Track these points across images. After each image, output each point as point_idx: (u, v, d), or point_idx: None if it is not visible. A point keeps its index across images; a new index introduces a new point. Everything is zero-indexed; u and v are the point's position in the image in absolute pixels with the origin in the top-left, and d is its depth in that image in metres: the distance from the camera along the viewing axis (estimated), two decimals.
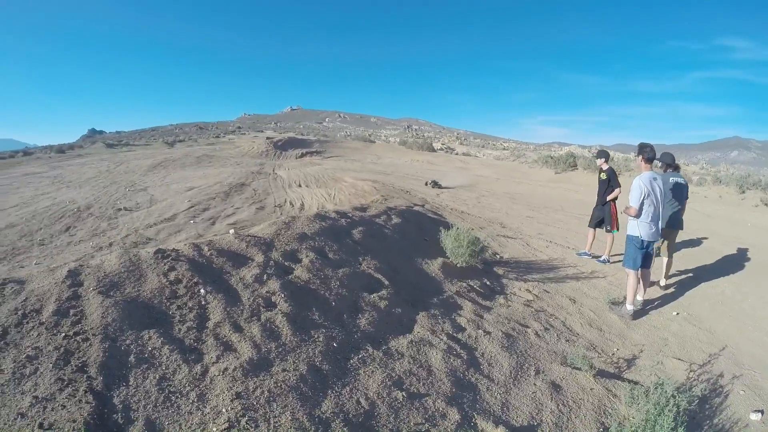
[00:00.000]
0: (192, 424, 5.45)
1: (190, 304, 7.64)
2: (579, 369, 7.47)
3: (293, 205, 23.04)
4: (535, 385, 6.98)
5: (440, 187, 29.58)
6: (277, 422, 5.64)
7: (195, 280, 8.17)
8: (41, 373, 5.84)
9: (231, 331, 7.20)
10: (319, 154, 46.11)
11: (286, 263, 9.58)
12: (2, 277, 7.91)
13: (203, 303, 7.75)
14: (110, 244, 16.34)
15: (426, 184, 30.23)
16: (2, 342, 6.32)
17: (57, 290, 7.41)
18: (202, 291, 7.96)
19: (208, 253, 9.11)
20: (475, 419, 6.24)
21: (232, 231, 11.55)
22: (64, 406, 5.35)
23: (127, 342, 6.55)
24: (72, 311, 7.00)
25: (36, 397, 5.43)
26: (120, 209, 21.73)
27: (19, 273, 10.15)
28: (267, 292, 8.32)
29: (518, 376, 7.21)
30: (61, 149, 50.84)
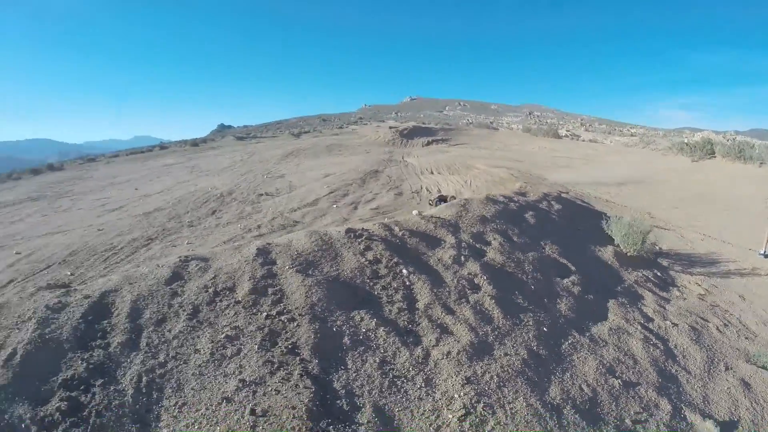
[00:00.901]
0: (424, 411, 5.00)
1: (394, 285, 7.11)
2: (764, 368, 7.19)
3: (429, 192, 22.39)
4: (727, 380, 6.79)
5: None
6: (512, 408, 5.20)
7: (395, 260, 7.64)
8: (245, 354, 5.32)
9: (443, 313, 6.70)
10: (445, 142, 45.22)
11: (476, 245, 9.04)
12: (183, 254, 7.58)
13: (407, 283, 7.22)
14: (258, 226, 16.33)
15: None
16: (194, 320, 5.85)
17: (249, 268, 6.91)
18: (404, 271, 7.40)
19: (400, 234, 8.62)
20: (684, 411, 5.95)
21: (415, 212, 11.50)
22: (278, 391, 4.84)
23: (338, 323, 6.07)
24: (270, 290, 6.50)
25: (243, 381, 4.98)
26: (261, 194, 21.89)
27: (198, 251, 9.97)
28: (468, 274, 7.83)
29: (711, 370, 7.06)
30: (195, 143, 53.56)
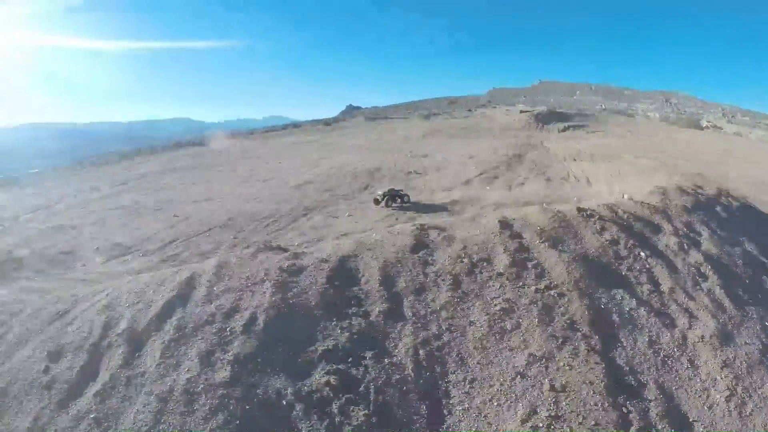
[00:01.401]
0: (695, 390, 5.20)
1: (637, 267, 7.18)
2: None
3: (578, 180, 21.58)
4: None
5: None
6: (762, 393, 5.35)
7: (631, 242, 7.70)
8: (526, 328, 5.50)
9: (685, 298, 6.81)
10: (581, 129, 43.56)
11: (690, 234, 8.90)
12: (418, 222, 7.80)
13: (647, 266, 7.27)
14: (416, 203, 16.50)
15: None
16: (458, 291, 6.04)
17: (499, 240, 7.06)
18: (642, 254, 7.50)
19: (625, 216, 8.54)
20: None
21: (626, 196, 11.13)
22: (571, 366, 5.00)
23: (603, 300, 6.15)
24: (529, 264, 6.64)
25: (532, 355, 5.16)
26: (409, 172, 22.18)
27: (436, 220, 10.08)
28: (695, 262, 7.86)
29: None
30: (327, 122, 55.09)
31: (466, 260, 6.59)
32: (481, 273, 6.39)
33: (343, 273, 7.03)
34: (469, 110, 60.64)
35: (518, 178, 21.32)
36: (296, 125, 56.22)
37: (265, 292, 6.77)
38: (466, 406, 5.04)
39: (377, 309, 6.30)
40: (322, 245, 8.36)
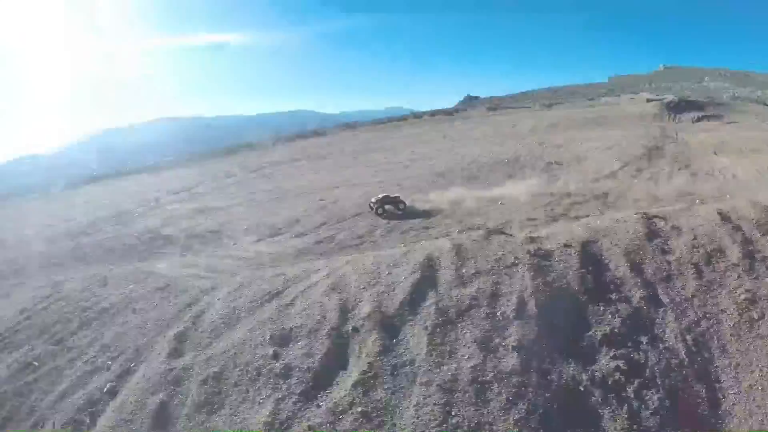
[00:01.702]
0: None
1: None
2: None
3: (723, 174, 20.42)
4: None
5: None
6: None
7: None
8: None
9: None
10: (717, 119, 40.88)
11: None
12: (640, 211, 7.83)
13: None
14: (568, 194, 16.32)
15: None
16: (702, 280, 6.04)
17: (724, 232, 7.00)
18: None
19: None
20: None
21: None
22: None
23: None
24: (757, 255, 6.51)
25: None
26: (549, 163, 21.91)
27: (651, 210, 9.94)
28: None
29: None
30: (448, 112, 55.28)
31: (701, 250, 6.66)
32: (717, 263, 6.42)
33: (590, 258, 7.20)
34: (591, 99, 58.58)
35: (663, 171, 20.43)
36: (417, 116, 56.85)
37: (523, 276, 6.81)
38: (736, 390, 5.17)
39: (637, 295, 6.42)
40: (557, 229, 8.52)
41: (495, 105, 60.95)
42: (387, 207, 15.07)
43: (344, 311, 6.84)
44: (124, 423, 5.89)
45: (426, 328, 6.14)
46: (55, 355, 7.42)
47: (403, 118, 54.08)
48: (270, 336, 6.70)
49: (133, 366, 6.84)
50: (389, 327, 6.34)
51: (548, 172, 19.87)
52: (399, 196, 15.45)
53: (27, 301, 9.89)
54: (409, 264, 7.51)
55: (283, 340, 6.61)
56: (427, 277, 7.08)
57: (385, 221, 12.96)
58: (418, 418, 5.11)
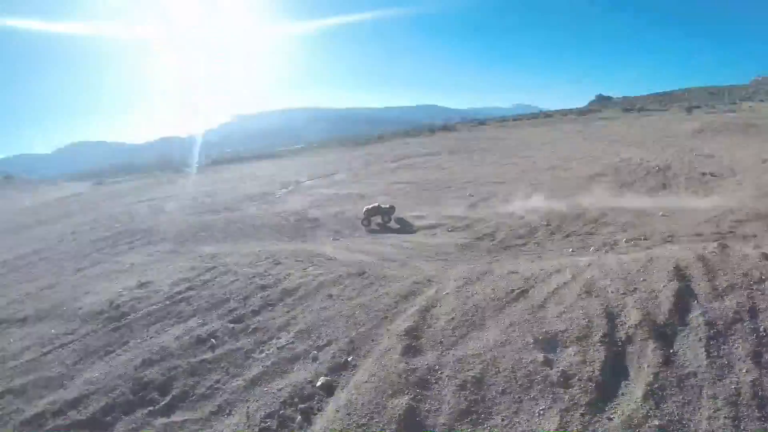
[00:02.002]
0: None
1: None
2: None
3: None
4: None
5: None
6: None
7: None
8: None
9: None
10: None
11: None
12: None
13: None
14: (731, 210, 14.99)
15: None
16: None
17: None
18: None
19: None
20: None
21: None
22: None
23: None
24: None
25: None
26: (703, 174, 20.36)
27: None
28: None
29: None
30: (581, 112, 53.75)
31: None
32: None
33: None
34: (733, 102, 54.43)
35: None
36: (547, 114, 55.79)
37: None
38: None
39: None
40: None
41: (630, 106, 58.18)
42: (373, 219, 14.76)
43: (610, 317, 6.46)
44: (357, 427, 5.40)
45: (700, 340, 5.83)
46: (236, 335, 7.34)
47: (533, 116, 53.20)
48: (533, 340, 6.29)
49: (351, 360, 6.54)
50: (662, 336, 6.02)
51: (705, 183, 18.40)
52: (391, 207, 15.05)
53: (184, 271, 10.20)
54: (660, 272, 7.08)
55: (549, 345, 6.23)
56: (685, 288, 6.69)
57: (543, 222, 12.48)
58: (712, 431, 4.89)
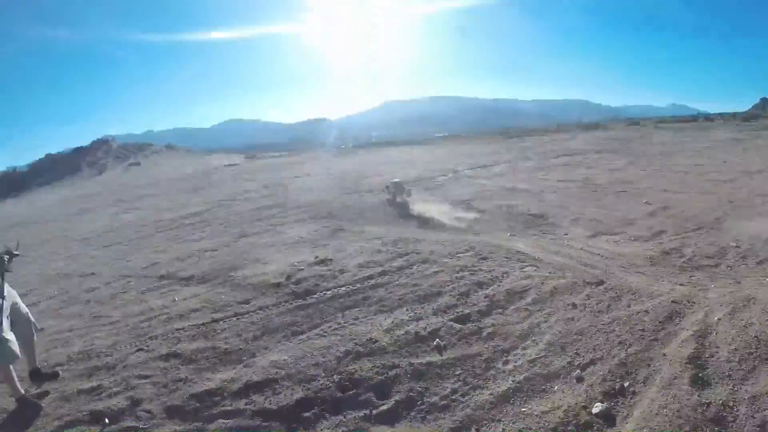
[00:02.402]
0: None
1: None
2: None
3: None
4: None
5: None
6: None
7: None
8: None
9: None
10: None
11: None
12: None
13: None
14: None
15: None
16: None
17: None
18: None
19: None
20: None
21: None
22: None
23: None
24: None
25: None
26: None
27: None
28: None
29: None
30: (745, 117, 49.37)
31: None
32: None
33: None
34: None
35: None
36: (708, 118, 51.38)
37: None
38: None
39: None
40: None
41: None
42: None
43: None
44: None
45: None
46: (467, 338, 5.95)
47: (692, 119, 49.06)
48: None
49: (628, 386, 5.11)
50: None
51: None
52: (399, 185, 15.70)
53: (369, 253, 9.13)
54: None
55: None
56: None
57: (733, 244, 10.24)
58: None
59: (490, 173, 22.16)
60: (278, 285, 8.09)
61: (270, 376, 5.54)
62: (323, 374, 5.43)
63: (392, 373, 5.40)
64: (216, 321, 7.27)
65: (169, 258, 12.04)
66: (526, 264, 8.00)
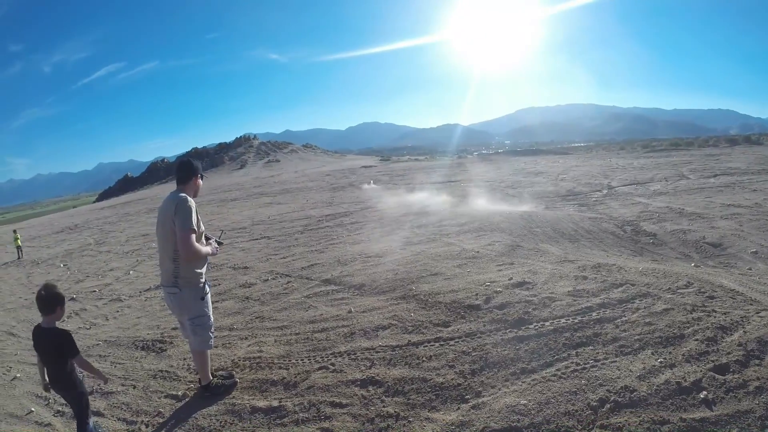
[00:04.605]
0: None
1: None
2: None
3: None
4: None
5: None
6: None
7: None
8: None
9: None
10: None
11: None
12: None
13: None
14: None
15: None
16: None
17: None
18: None
19: None
20: None
21: None
22: None
23: None
24: None
25: None
26: None
27: None
28: None
29: None
30: None
31: None
32: None
33: None
34: None
35: None
36: None
37: None
38: None
39: None
40: None
41: None
42: None
43: None
44: None
45: None
46: (734, 391, 4.87)
47: None
48: None
49: None
50: None
51: None
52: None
53: (572, 279, 8.09)
54: None
55: None
56: None
57: None
58: None
59: (648, 191, 20.49)
60: (477, 308, 7.27)
61: (512, 424, 4.64)
62: (579, 427, 4.42)
63: (664, 429, 4.45)
64: (414, 344, 6.47)
65: (328, 260, 11.64)
66: (752, 306, 6.64)
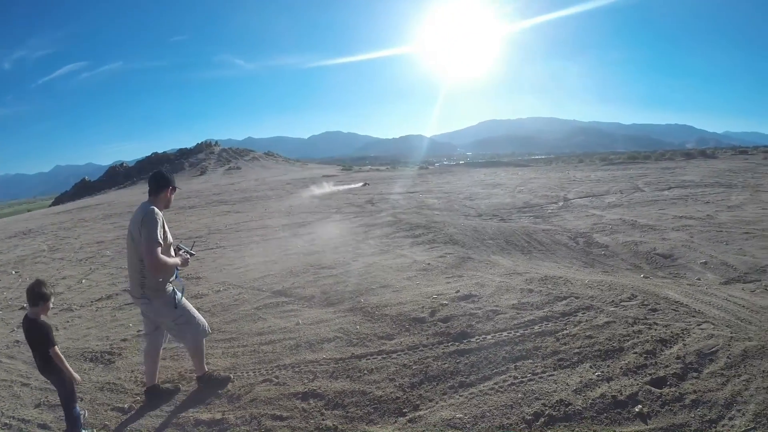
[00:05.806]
0: None
1: None
2: None
3: None
4: None
5: None
6: None
7: None
8: None
9: None
10: None
11: None
12: None
13: None
14: None
15: None
16: None
17: None
18: None
19: None
20: None
21: None
22: None
23: None
24: None
25: None
26: None
27: None
28: None
29: None
30: None
31: None
32: None
33: None
34: None
35: None
36: None
37: None
38: None
39: None
40: None
41: None
42: None
43: None
44: None
45: None
46: (669, 404, 4.93)
47: None
48: None
49: None
50: None
51: None
52: None
53: (518, 292, 8.06)
54: None
55: None
56: None
57: None
58: None
59: (603, 203, 20.82)
60: (422, 320, 7.26)
61: None
62: None
63: None
64: (357, 357, 6.48)
65: (281, 270, 11.55)
66: (695, 318, 6.80)
